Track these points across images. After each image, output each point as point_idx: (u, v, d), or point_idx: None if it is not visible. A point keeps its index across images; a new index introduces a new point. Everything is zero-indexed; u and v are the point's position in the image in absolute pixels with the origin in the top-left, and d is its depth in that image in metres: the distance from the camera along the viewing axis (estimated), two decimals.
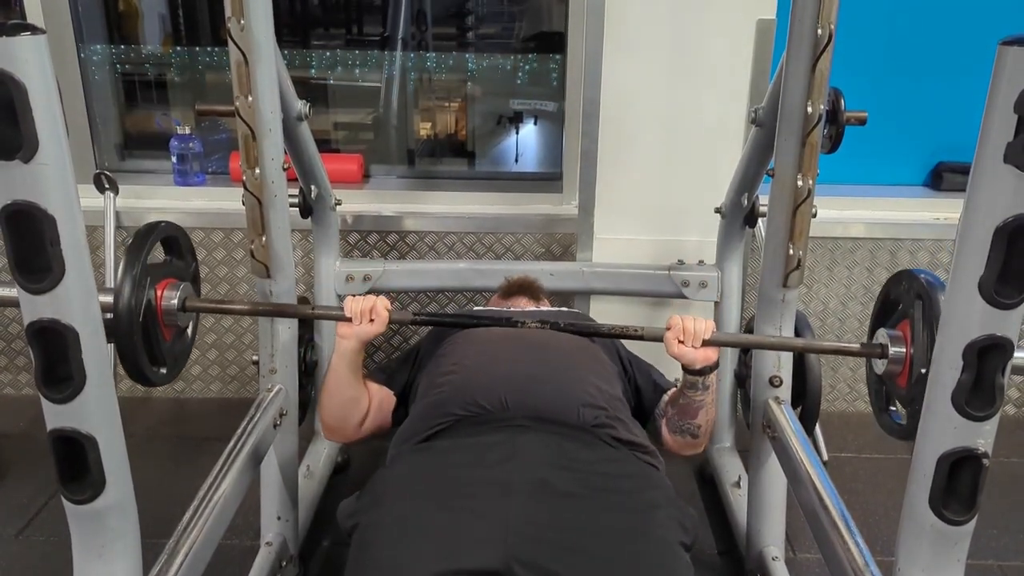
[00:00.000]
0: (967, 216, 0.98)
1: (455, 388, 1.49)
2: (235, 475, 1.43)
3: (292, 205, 1.81)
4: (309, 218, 2.09)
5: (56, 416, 1.04)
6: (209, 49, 2.79)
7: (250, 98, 1.50)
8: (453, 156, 2.97)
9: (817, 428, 2.28)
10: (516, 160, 2.96)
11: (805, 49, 1.44)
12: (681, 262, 2.23)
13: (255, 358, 1.75)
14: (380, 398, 1.68)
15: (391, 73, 2.87)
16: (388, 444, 1.60)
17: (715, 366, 1.52)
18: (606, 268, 2.30)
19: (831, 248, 2.50)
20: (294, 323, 1.75)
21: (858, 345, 1.45)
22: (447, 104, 2.94)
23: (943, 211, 2.51)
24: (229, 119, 1.62)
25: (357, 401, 1.61)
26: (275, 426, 1.66)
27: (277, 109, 1.56)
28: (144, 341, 1.30)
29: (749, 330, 2.02)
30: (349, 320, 1.52)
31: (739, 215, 2.04)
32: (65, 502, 1.10)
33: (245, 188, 1.58)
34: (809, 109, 1.48)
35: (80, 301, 1.00)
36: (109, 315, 1.22)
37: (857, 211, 2.51)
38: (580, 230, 2.35)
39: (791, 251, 1.60)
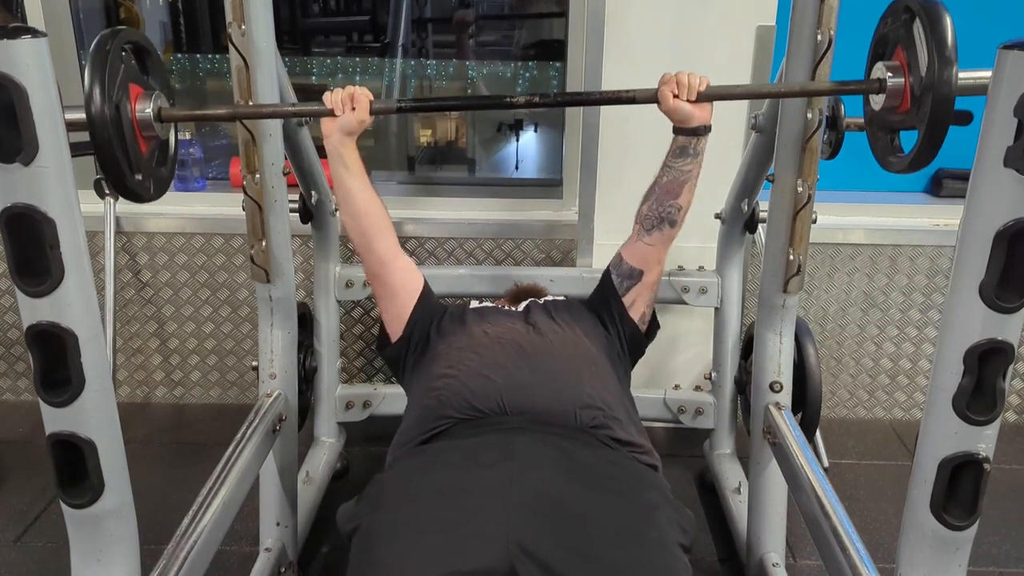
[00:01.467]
0: (967, 220, 0.98)
1: (451, 392, 1.49)
2: (234, 481, 1.43)
3: (292, 210, 1.81)
4: (309, 223, 2.10)
5: (55, 420, 1.04)
6: (210, 56, 2.79)
7: (250, 103, 1.50)
8: (453, 163, 2.97)
9: (818, 434, 2.27)
10: (516, 167, 2.97)
11: (805, 55, 1.45)
12: (681, 268, 2.23)
13: (254, 363, 1.75)
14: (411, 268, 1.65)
15: (391, 80, 2.88)
16: (387, 449, 1.59)
17: (709, 128, 1.47)
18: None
19: (831, 254, 2.50)
20: (294, 328, 1.75)
21: (854, 83, 1.34)
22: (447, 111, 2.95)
23: (943, 217, 2.51)
24: (229, 125, 1.62)
25: (370, 205, 1.55)
26: (274, 431, 1.65)
27: None
28: (122, 150, 1.21)
29: (749, 337, 2.02)
30: (331, 113, 1.45)
31: (739, 221, 2.04)
32: (64, 506, 1.10)
33: (245, 193, 1.58)
34: (809, 115, 1.48)
35: (80, 305, 1.00)
36: (83, 132, 1.14)
37: (857, 217, 2.51)
38: (580, 236, 2.35)
39: (791, 257, 1.60)
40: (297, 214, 1.99)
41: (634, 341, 1.67)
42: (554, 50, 2.70)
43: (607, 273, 1.68)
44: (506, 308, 1.75)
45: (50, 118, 0.93)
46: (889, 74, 1.25)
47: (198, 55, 2.80)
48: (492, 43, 2.98)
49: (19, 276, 0.97)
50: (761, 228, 2.03)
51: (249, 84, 1.50)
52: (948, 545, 1.10)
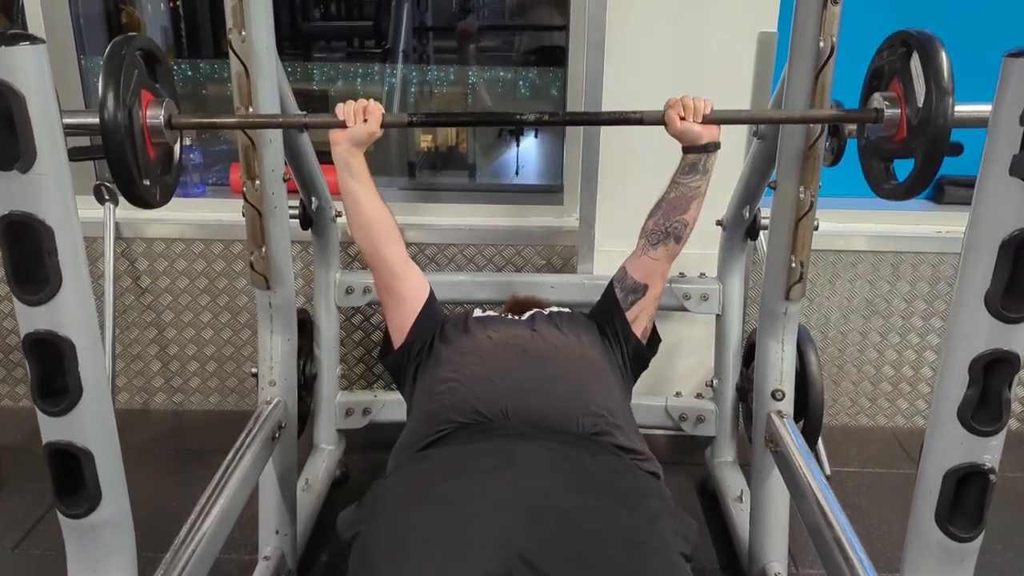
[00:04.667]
0: (972, 229, 0.97)
1: (455, 396, 1.48)
2: (233, 488, 1.42)
3: (292, 216, 1.80)
4: (309, 229, 2.09)
5: (52, 429, 1.03)
6: (210, 61, 2.79)
7: (251, 109, 1.50)
8: (454, 168, 2.97)
9: (820, 442, 2.27)
10: (517, 173, 2.96)
11: (807, 62, 1.45)
12: (682, 275, 2.22)
13: (254, 370, 1.74)
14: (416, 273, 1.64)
15: (392, 85, 2.87)
16: (387, 456, 1.59)
17: (718, 144, 1.50)
18: (607, 280, 2.29)
19: (833, 261, 2.49)
20: (294, 335, 1.74)
21: (853, 111, 1.39)
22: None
23: (945, 224, 2.50)
24: (230, 131, 1.62)
25: (380, 214, 1.57)
26: (274, 439, 1.65)
27: None
28: (133, 156, 1.21)
29: (751, 344, 2.01)
30: (343, 124, 1.46)
31: (741, 228, 2.04)
32: (60, 516, 1.09)
33: (245, 199, 1.58)
34: None
35: (77, 313, 1.00)
36: (95, 136, 1.16)
37: (859, 224, 2.50)
38: (581, 242, 2.34)
39: (793, 264, 1.60)
40: (297, 220, 1.98)
41: (638, 357, 1.67)
42: (555, 56, 2.70)
43: (611, 287, 1.68)
44: (509, 316, 1.75)
45: (48, 125, 0.92)
46: (886, 104, 1.30)
47: (199, 60, 2.80)
48: (493, 49, 2.98)
49: (17, 284, 0.97)
50: (763, 235, 2.02)
51: (249, 90, 1.49)
52: (953, 556, 1.09)
